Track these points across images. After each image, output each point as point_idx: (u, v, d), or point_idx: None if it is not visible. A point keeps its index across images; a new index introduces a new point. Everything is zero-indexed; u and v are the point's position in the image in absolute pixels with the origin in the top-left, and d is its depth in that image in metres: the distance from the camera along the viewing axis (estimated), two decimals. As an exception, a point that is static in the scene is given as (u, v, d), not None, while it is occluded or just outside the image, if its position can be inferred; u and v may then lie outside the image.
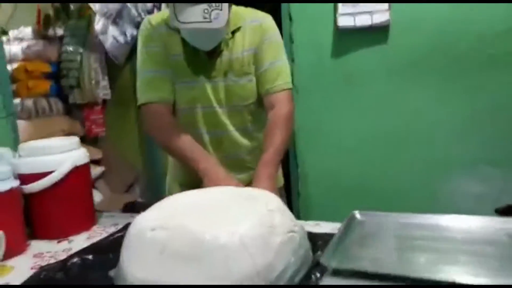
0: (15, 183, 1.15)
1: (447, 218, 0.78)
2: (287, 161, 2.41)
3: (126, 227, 1.17)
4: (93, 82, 2.73)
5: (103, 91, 2.79)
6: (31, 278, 0.95)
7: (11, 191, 1.11)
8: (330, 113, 2.35)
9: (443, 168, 2.18)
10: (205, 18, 1.09)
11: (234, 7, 1.25)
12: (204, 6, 1.08)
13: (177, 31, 1.25)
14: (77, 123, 2.83)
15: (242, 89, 1.29)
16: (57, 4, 2.77)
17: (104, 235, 1.23)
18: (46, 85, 2.76)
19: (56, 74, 2.81)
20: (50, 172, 1.21)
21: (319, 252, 0.89)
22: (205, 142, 1.32)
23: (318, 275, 0.65)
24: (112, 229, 1.27)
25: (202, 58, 1.26)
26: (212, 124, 1.31)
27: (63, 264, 1.00)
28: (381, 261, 0.67)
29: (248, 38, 1.28)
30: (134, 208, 1.00)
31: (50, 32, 2.75)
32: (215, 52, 1.26)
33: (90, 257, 1.05)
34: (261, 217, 0.87)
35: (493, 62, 2.08)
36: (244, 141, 1.35)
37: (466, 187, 2.10)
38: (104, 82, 2.79)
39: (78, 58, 2.74)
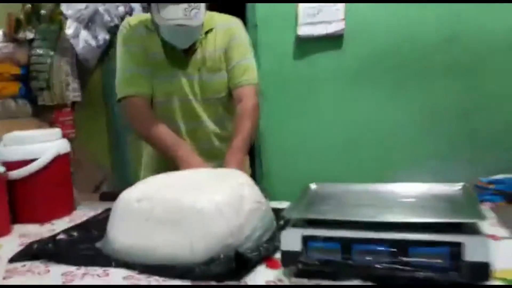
0: (1, 169, 1.24)
1: (388, 185, 1.01)
2: (252, 160, 2.56)
3: (106, 210, 1.26)
4: (63, 84, 2.79)
5: (73, 93, 2.84)
6: (24, 250, 1.05)
7: (-4, 176, 1.21)
8: (293, 115, 2.53)
9: (397, 164, 2.38)
10: (185, 15, 1.24)
11: (208, 12, 1.40)
12: (184, 5, 1.24)
13: (156, 31, 1.38)
14: (45, 124, 2.86)
15: (214, 84, 1.43)
16: (28, 9, 2.82)
17: (85, 218, 1.33)
18: (15, 87, 2.79)
19: (26, 77, 2.84)
20: (34, 160, 1.30)
21: (281, 222, 1.05)
22: (181, 131, 1.43)
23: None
24: (92, 213, 1.37)
25: (179, 55, 1.39)
26: (188, 115, 1.43)
27: (52, 239, 1.10)
28: (332, 213, 0.83)
29: (219, 38, 1.43)
30: (111, 197, 1.10)
31: (21, 35, 2.78)
32: (190, 50, 1.39)
33: (75, 233, 1.16)
34: (233, 189, 1.01)
35: (439, 68, 2.31)
36: (217, 131, 1.48)
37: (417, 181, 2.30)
38: (75, 85, 2.85)
39: (48, 61, 2.78)
